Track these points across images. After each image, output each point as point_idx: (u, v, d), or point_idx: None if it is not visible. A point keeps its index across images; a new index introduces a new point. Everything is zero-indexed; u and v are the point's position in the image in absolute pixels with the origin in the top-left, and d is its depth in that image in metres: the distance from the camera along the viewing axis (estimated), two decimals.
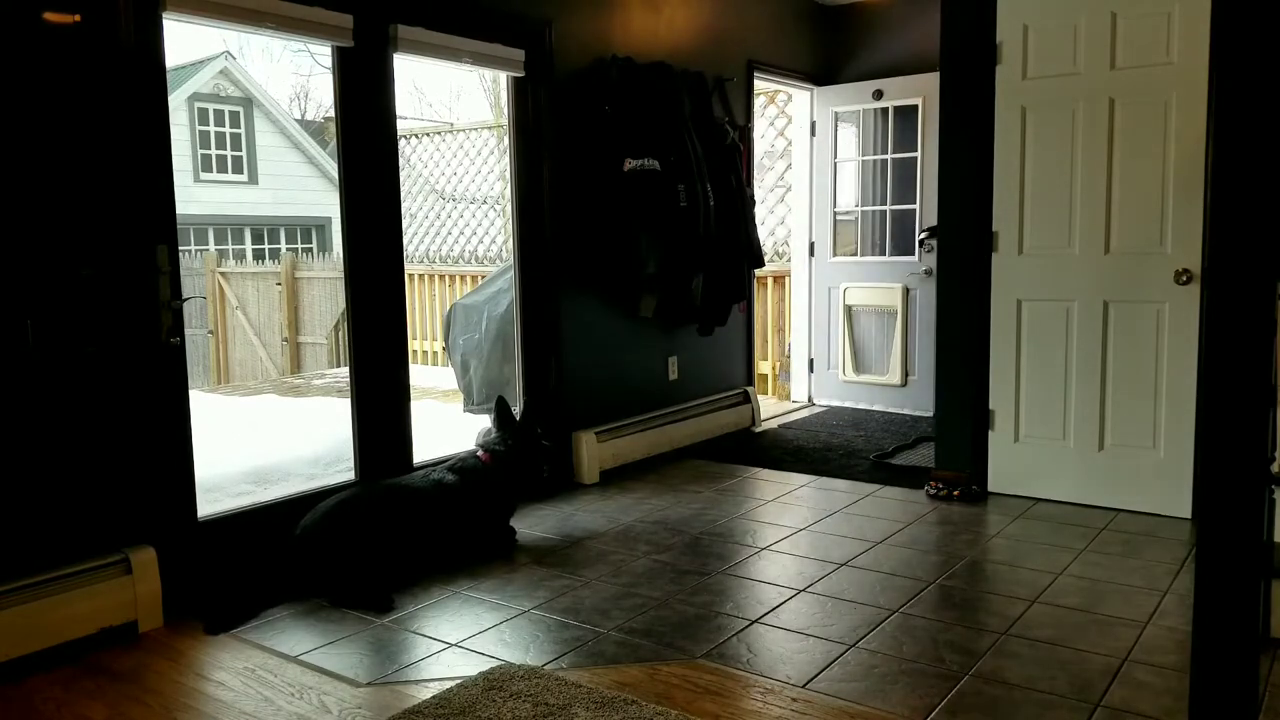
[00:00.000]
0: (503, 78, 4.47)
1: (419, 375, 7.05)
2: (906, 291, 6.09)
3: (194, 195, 14.49)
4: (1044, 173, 4.08)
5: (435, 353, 9.22)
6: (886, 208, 6.26)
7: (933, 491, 4.35)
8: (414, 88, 19.26)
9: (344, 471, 4.04)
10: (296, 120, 17.65)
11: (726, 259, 5.16)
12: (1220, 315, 1.77)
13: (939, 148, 4.37)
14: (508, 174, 4.74)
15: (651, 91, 4.78)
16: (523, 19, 4.28)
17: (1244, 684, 1.83)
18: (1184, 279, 3.82)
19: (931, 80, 4.83)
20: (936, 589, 3.24)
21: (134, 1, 2.96)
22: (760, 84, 6.06)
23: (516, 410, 4.02)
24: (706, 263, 4.95)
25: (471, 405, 5.17)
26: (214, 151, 15.50)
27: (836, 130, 6.36)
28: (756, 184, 6.72)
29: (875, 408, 6.31)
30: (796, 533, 3.88)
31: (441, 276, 9.42)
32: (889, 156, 6.20)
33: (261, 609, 3.11)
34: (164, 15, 3.05)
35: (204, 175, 15.34)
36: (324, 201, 16.14)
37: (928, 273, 5.84)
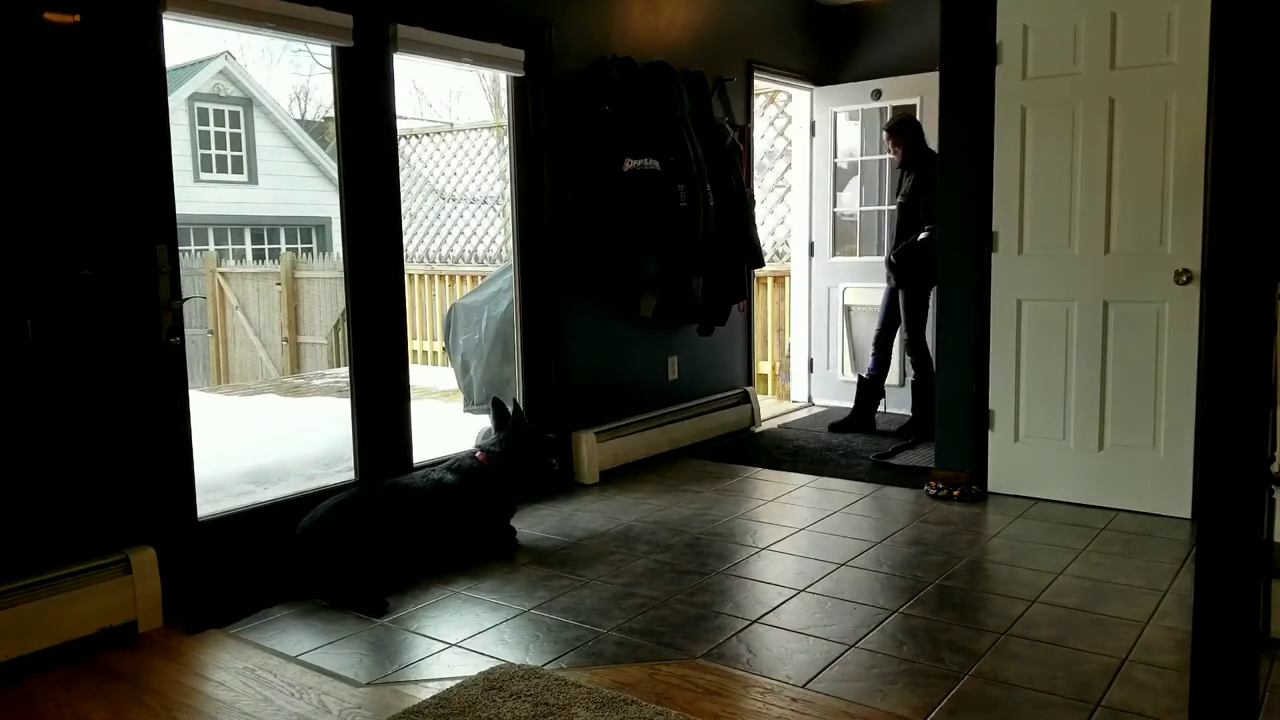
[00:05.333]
0: (503, 78, 4.47)
1: (419, 375, 7.04)
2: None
3: (194, 195, 14.49)
4: (1044, 173, 4.08)
5: (435, 353, 9.22)
6: (885, 208, 6.25)
7: (933, 491, 4.35)
8: (414, 88, 19.26)
9: (344, 471, 4.04)
10: (296, 120, 17.65)
11: (726, 259, 5.16)
12: (1220, 315, 1.77)
13: (939, 148, 4.38)
14: (508, 174, 4.74)
15: (651, 91, 4.78)
16: (523, 19, 4.28)
17: (1244, 684, 1.83)
18: (1184, 279, 3.82)
19: (931, 80, 4.82)
20: (936, 589, 3.24)
21: (134, 1, 2.96)
22: (760, 84, 6.05)
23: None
24: (706, 263, 4.95)
25: (471, 405, 5.16)
26: (214, 151, 15.50)
27: (835, 130, 6.35)
28: (756, 184, 6.71)
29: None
30: (796, 533, 3.88)
31: (441, 276, 9.43)
32: (888, 156, 6.19)
33: (250, 610, 3.10)
34: (164, 15, 3.04)
35: (204, 175, 15.34)
36: (324, 201, 16.14)
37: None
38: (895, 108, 6.09)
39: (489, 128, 10.87)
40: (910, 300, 5.43)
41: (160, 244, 3.06)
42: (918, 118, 5.92)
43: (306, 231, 16.72)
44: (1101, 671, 2.62)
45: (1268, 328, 1.75)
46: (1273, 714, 2.39)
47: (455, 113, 19.89)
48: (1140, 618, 2.97)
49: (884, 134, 5.60)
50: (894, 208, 5.93)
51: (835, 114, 6.33)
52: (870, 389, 5.75)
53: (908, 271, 5.39)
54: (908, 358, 5.63)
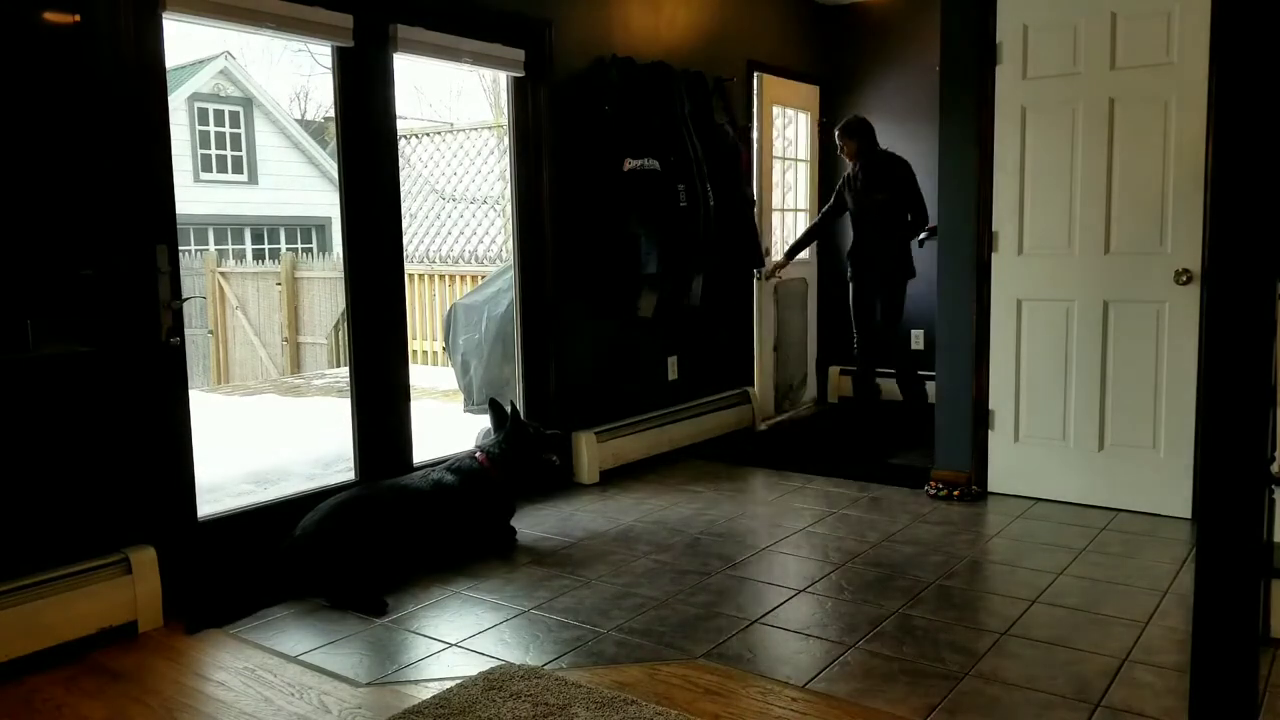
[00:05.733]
0: (503, 78, 4.47)
1: (419, 375, 7.04)
2: None
3: (194, 195, 14.47)
4: (1044, 173, 4.08)
5: (435, 353, 9.22)
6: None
7: (933, 491, 4.35)
8: (414, 88, 19.25)
9: (344, 471, 4.04)
10: (296, 120, 17.64)
11: (726, 259, 5.16)
12: (1220, 315, 1.76)
13: (939, 148, 4.37)
14: (508, 174, 4.74)
15: (651, 91, 4.78)
16: (523, 19, 4.28)
17: (1244, 684, 1.83)
18: (1184, 279, 3.82)
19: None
20: (936, 589, 3.24)
21: (134, 1, 2.96)
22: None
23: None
24: (706, 263, 4.95)
25: (472, 405, 5.17)
26: (214, 151, 15.49)
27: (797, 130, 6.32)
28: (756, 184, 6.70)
29: None
30: (796, 533, 3.88)
31: (441, 276, 9.42)
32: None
33: (250, 610, 3.10)
34: (164, 15, 3.05)
35: (204, 175, 15.32)
36: (324, 201, 16.12)
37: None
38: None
39: (489, 128, 10.88)
40: (893, 296, 5.51)
41: (160, 244, 3.06)
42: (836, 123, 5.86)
43: (306, 231, 16.71)
44: (1101, 671, 2.62)
45: (1268, 328, 1.75)
46: (1273, 714, 2.39)
47: (455, 113, 19.87)
48: (1140, 618, 2.97)
49: (835, 134, 5.64)
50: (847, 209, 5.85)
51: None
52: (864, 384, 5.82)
53: (892, 269, 5.48)
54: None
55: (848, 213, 5.67)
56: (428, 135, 11.24)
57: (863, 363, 5.76)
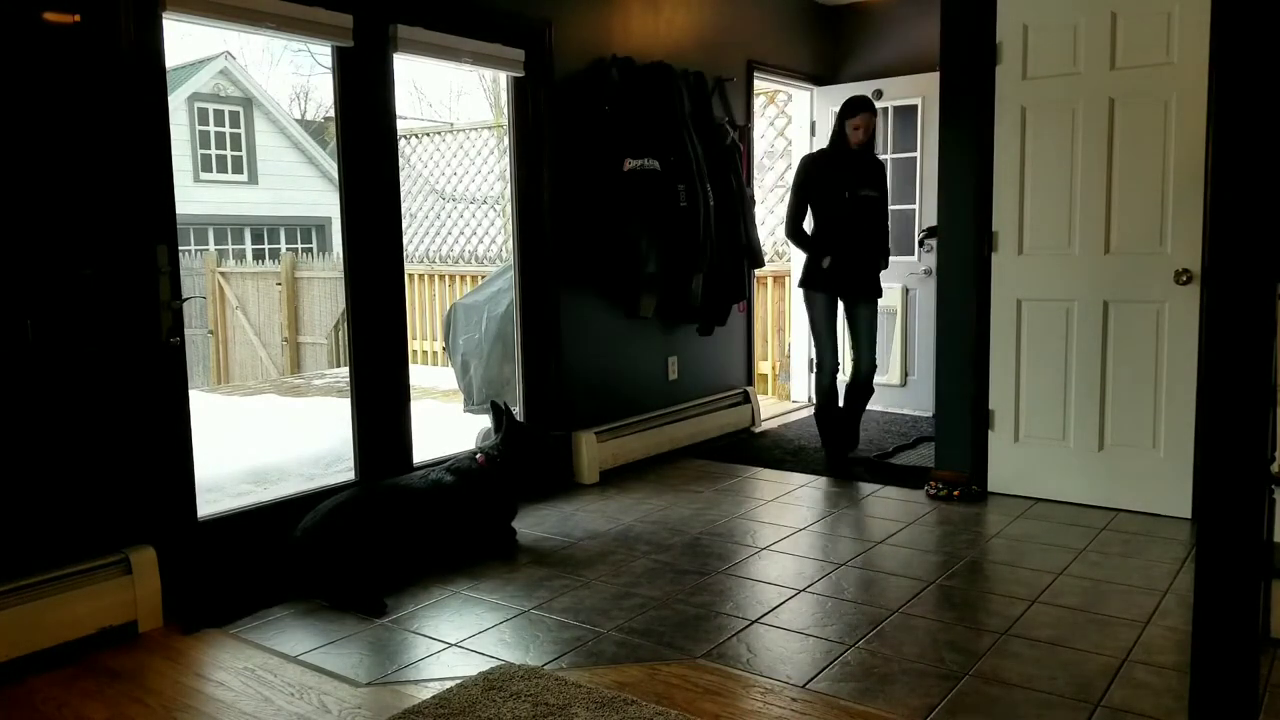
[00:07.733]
0: (503, 78, 4.47)
1: (419, 375, 7.04)
2: (906, 291, 6.08)
3: (194, 195, 14.48)
4: (1044, 173, 4.08)
5: (435, 353, 9.22)
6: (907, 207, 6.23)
7: (933, 491, 4.35)
8: (414, 88, 19.26)
9: (344, 471, 4.04)
10: (296, 120, 17.65)
11: (726, 259, 5.16)
12: (1220, 315, 1.77)
13: (939, 148, 4.38)
14: (508, 174, 4.74)
15: (651, 92, 4.78)
16: (523, 19, 4.28)
17: (1244, 684, 1.83)
18: (1184, 279, 3.82)
19: (931, 80, 4.83)
20: (936, 589, 3.24)
21: (134, 1, 2.96)
22: (760, 84, 6.05)
23: (517, 412, 4.01)
24: (706, 263, 4.95)
25: (471, 405, 5.16)
26: (214, 151, 15.50)
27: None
28: (756, 184, 6.71)
29: (874, 407, 6.28)
30: (796, 533, 3.88)
31: (441, 276, 9.43)
32: (888, 156, 6.19)
33: (249, 610, 3.10)
34: (164, 15, 3.05)
35: (204, 175, 15.33)
36: (324, 201, 16.14)
37: (927, 272, 5.84)
38: (896, 108, 6.10)
39: (489, 128, 10.87)
40: (874, 313, 4.97)
41: (160, 244, 3.06)
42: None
43: (306, 231, 16.72)
44: (1101, 671, 2.62)
45: (1268, 328, 1.75)
46: (1273, 714, 2.39)
47: (455, 113, 19.89)
48: (1140, 618, 2.97)
49: (849, 114, 5.13)
50: (890, 209, 5.80)
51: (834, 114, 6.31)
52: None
53: (876, 280, 4.94)
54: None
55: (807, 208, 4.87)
56: (428, 135, 11.24)
57: (833, 395, 4.93)
